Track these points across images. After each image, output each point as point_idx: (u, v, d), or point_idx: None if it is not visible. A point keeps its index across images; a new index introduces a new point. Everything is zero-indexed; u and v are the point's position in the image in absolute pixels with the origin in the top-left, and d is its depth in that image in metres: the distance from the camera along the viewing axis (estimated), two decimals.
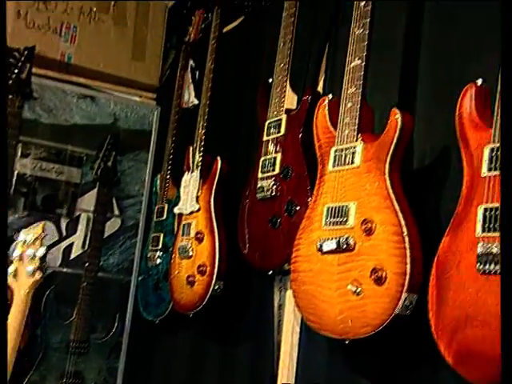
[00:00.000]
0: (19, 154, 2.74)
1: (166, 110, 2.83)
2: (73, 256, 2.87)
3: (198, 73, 2.69)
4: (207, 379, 2.28)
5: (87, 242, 2.85)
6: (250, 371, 2.08)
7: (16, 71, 2.48)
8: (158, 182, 2.69)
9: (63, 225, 2.87)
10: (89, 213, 2.88)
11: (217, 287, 2.04)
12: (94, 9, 2.86)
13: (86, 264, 2.71)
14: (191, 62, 2.73)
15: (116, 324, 2.78)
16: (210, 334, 2.33)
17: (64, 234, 2.87)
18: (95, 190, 2.83)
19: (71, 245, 2.88)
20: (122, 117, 2.98)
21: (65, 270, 2.83)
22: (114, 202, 2.96)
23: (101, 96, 2.95)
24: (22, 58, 2.49)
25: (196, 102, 2.66)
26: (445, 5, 1.54)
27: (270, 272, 1.87)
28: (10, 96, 2.60)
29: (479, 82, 1.21)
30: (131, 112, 3.00)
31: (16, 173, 2.71)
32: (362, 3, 1.51)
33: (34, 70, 2.51)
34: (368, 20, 1.49)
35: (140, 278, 2.69)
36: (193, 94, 2.69)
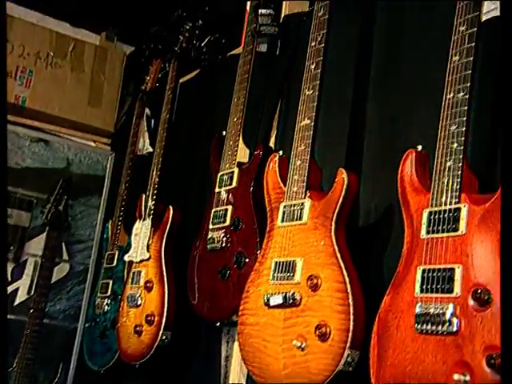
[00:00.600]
0: None
1: (121, 156, 2.84)
2: (17, 302, 2.80)
3: (153, 121, 2.72)
4: None
5: (33, 288, 2.79)
6: None
7: None
8: (110, 228, 2.67)
9: (9, 269, 2.81)
10: (36, 257, 2.83)
11: (164, 337, 2.03)
12: (52, 54, 2.87)
13: (31, 310, 2.64)
14: (147, 110, 2.76)
15: (59, 373, 2.71)
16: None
17: (9, 279, 2.80)
18: (44, 234, 2.79)
19: (16, 290, 2.81)
20: (75, 161, 2.97)
21: (8, 316, 2.75)
22: (64, 246, 2.91)
23: (55, 140, 2.94)
24: None
25: (150, 149, 2.68)
26: (389, 71, 1.62)
27: (218, 323, 1.87)
28: None
29: (419, 147, 1.27)
30: (85, 157, 2.99)
31: None
32: (313, 66, 1.58)
33: None
34: (317, 82, 1.55)
35: (86, 326, 2.64)
36: (148, 141, 2.72)
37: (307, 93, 1.57)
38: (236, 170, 1.88)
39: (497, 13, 1.22)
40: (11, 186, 2.83)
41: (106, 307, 2.48)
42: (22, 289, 2.81)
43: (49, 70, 2.85)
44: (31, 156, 2.89)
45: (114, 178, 2.98)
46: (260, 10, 1.95)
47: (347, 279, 1.35)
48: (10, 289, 2.80)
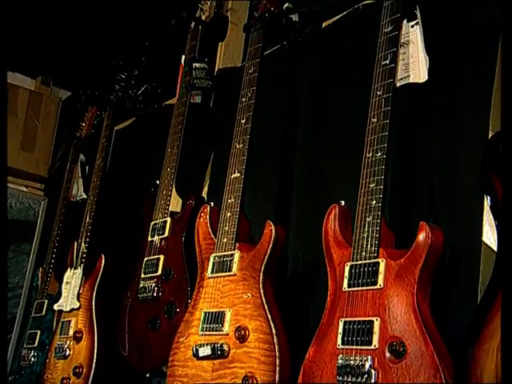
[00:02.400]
0: None
1: (54, 202, 2.80)
2: None
3: (87, 167, 2.71)
4: None
5: None
6: None
7: None
8: (40, 275, 2.61)
9: None
10: None
11: None
12: None
13: None
14: (82, 157, 2.75)
15: None
16: None
17: None
18: None
19: None
20: (8, 207, 2.91)
21: None
22: None
23: None
24: None
25: (84, 196, 2.66)
26: (319, 124, 1.70)
27: (148, 374, 1.85)
28: None
29: (342, 202, 1.33)
30: (16, 202, 2.94)
31: None
32: (243, 121, 1.63)
33: None
34: (248, 137, 1.61)
35: (10, 379, 2.54)
36: (81, 188, 2.70)
37: (237, 146, 1.62)
38: (168, 220, 1.89)
39: (409, 80, 1.31)
40: None
41: (33, 359, 2.40)
42: None
43: None
44: None
45: (46, 224, 2.93)
46: (194, 64, 2.01)
47: (274, 331, 1.38)
48: None
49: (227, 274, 1.52)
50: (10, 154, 2.90)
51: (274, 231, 1.47)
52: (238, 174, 1.59)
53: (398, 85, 1.30)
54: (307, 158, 1.69)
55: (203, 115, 2.12)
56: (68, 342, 2.13)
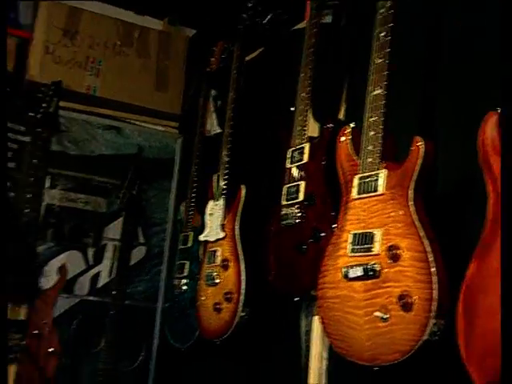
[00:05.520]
0: (47, 185, 2.79)
1: (189, 138, 2.88)
2: (100, 284, 2.91)
3: (220, 102, 2.74)
4: None
5: (114, 271, 2.89)
6: None
7: (44, 105, 2.55)
8: (183, 210, 2.72)
9: (90, 254, 2.92)
10: (115, 242, 2.92)
11: (243, 314, 2.06)
12: (118, 42, 2.94)
13: (113, 292, 2.75)
14: (213, 91, 2.78)
15: (143, 352, 2.81)
16: (237, 360, 2.33)
17: (91, 262, 2.91)
18: (121, 219, 2.88)
19: (98, 273, 2.92)
20: (146, 146, 3.04)
21: (92, 298, 2.87)
22: (140, 230, 3.00)
23: (126, 127, 3.02)
24: (50, 93, 2.56)
25: (219, 130, 2.70)
26: (464, 38, 1.57)
27: (297, 298, 1.88)
28: (39, 129, 2.68)
29: (499, 110, 1.23)
30: (155, 141, 3.06)
31: (44, 204, 2.77)
32: (382, 34, 1.54)
33: (61, 103, 2.58)
34: (387, 50, 1.52)
35: (166, 306, 2.72)
36: (215, 122, 2.74)
37: (378, 61, 1.54)
38: (307, 145, 1.87)
39: None
40: (87, 173, 2.93)
41: (184, 287, 2.54)
42: (103, 272, 2.92)
43: (116, 59, 2.92)
44: (104, 143, 2.98)
45: (184, 161, 3.03)
46: None
47: (428, 248, 1.33)
48: (91, 272, 2.91)
49: (374, 194, 1.48)
50: (146, 95, 3.02)
51: (422, 147, 1.40)
52: (380, 91, 1.51)
53: None
54: (454, 67, 1.57)
55: (335, 35, 2.04)
56: (216, 270, 2.21)
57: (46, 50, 2.81)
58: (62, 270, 2.70)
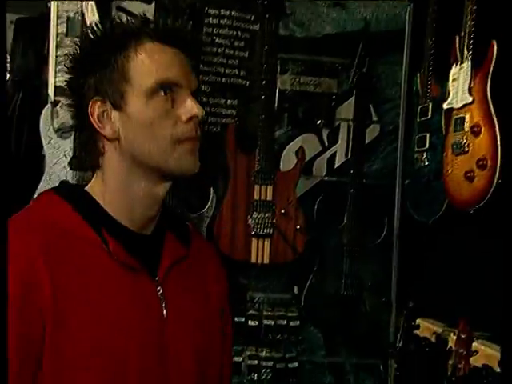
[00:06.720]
0: (278, 71, 2.84)
1: (419, 4, 2.68)
2: (337, 165, 2.95)
3: None
4: (488, 277, 2.21)
5: (349, 151, 2.91)
6: None
7: None
8: (418, 81, 2.59)
9: (324, 135, 2.96)
10: (348, 121, 2.91)
11: (500, 181, 1.94)
12: None
13: (351, 171, 2.78)
14: None
15: (385, 227, 2.84)
16: (491, 231, 2.23)
17: (326, 144, 2.95)
18: (352, 99, 2.85)
19: (334, 154, 2.96)
20: (372, 20, 2.91)
21: (330, 178, 2.94)
22: (372, 108, 2.95)
23: (350, 2, 2.91)
24: None
25: None
26: None
27: None
28: (267, 15, 2.71)
29: None
30: (382, 13, 2.91)
31: (277, 90, 2.83)
32: None
33: None
34: None
35: (407, 182, 2.68)
36: None
37: None
38: None
39: None
40: (315, 55, 2.92)
41: (426, 160, 2.46)
42: (339, 153, 2.95)
43: None
44: (330, 22, 2.91)
45: (414, 30, 2.85)
46: None
47: None
48: (327, 154, 2.96)
49: None
50: None
51: None
52: None
53: None
54: None
55: None
56: (465, 137, 2.09)
57: None
58: (300, 152, 2.79)
